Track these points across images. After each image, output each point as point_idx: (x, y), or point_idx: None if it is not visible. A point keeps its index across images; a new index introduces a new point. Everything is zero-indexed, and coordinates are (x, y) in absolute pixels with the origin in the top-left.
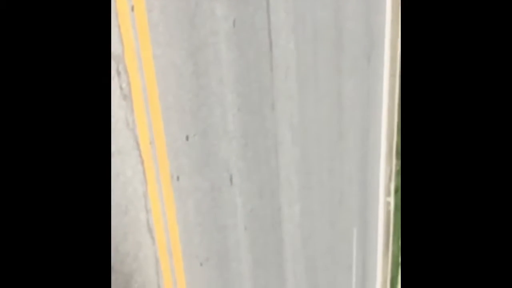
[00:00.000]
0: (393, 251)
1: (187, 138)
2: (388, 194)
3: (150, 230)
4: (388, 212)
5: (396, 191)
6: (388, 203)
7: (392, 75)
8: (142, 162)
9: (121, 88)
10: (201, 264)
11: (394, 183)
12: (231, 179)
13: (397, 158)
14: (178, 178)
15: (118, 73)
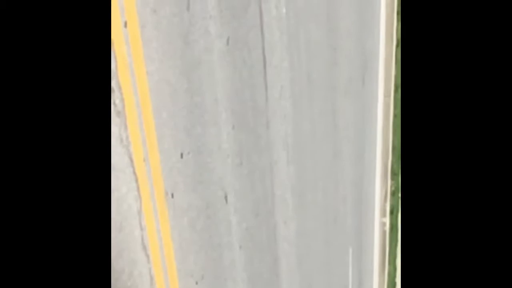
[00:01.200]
0: (389, 271)
1: (181, 155)
2: (383, 214)
3: (144, 248)
4: (383, 232)
5: (391, 212)
6: (383, 223)
7: (386, 95)
8: (136, 179)
9: (114, 104)
10: (196, 283)
11: (389, 203)
12: (226, 198)
13: (392, 178)
14: (172, 195)
15: (112, 90)
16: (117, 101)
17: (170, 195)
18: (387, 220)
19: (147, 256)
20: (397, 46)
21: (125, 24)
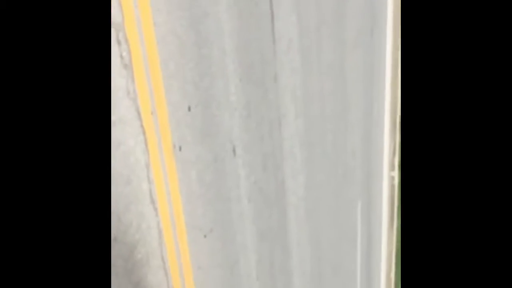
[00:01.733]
0: (397, 225)
1: (189, 108)
2: (392, 168)
3: (153, 201)
4: (392, 186)
5: (400, 165)
6: (392, 178)
7: (395, 48)
8: (144, 132)
9: (121, 57)
10: (204, 236)
11: (398, 158)
12: (234, 150)
13: (400, 132)
14: (180, 148)
15: (118, 42)
16: (124, 54)
17: (178, 148)
18: (395, 174)
19: (155, 209)
20: None
21: None
